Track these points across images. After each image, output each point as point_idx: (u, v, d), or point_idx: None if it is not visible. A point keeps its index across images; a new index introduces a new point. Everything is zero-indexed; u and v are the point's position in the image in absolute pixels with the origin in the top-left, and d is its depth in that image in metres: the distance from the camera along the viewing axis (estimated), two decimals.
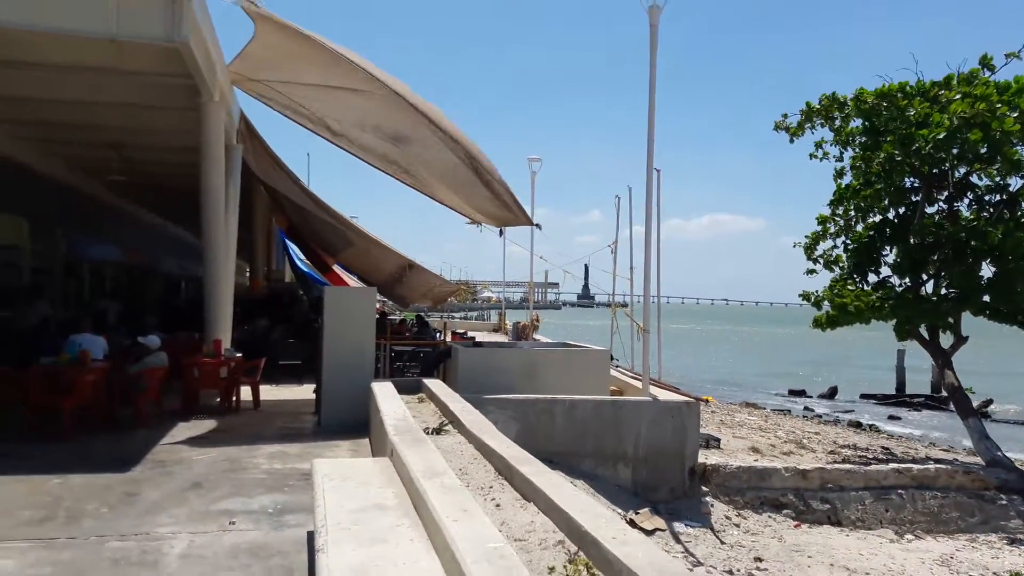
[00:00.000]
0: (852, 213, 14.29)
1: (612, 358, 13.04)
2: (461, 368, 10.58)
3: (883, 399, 31.60)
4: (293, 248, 21.30)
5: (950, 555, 9.59)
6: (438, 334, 17.37)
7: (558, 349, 12.22)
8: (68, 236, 18.05)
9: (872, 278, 14.15)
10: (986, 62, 12.74)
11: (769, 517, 10.14)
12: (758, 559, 8.86)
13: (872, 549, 9.56)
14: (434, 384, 9.36)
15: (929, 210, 13.49)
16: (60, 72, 10.44)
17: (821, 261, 14.64)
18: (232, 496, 6.50)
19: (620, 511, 9.02)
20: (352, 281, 19.67)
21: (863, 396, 32.57)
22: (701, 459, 10.51)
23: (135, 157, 15.50)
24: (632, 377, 12.63)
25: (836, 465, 11.59)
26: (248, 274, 26.90)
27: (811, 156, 14.39)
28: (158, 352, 10.16)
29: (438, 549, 3.62)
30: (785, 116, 14.28)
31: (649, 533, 8.76)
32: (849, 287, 13.87)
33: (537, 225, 15.08)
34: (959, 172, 13.19)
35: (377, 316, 12.15)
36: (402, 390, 8.90)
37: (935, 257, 13.14)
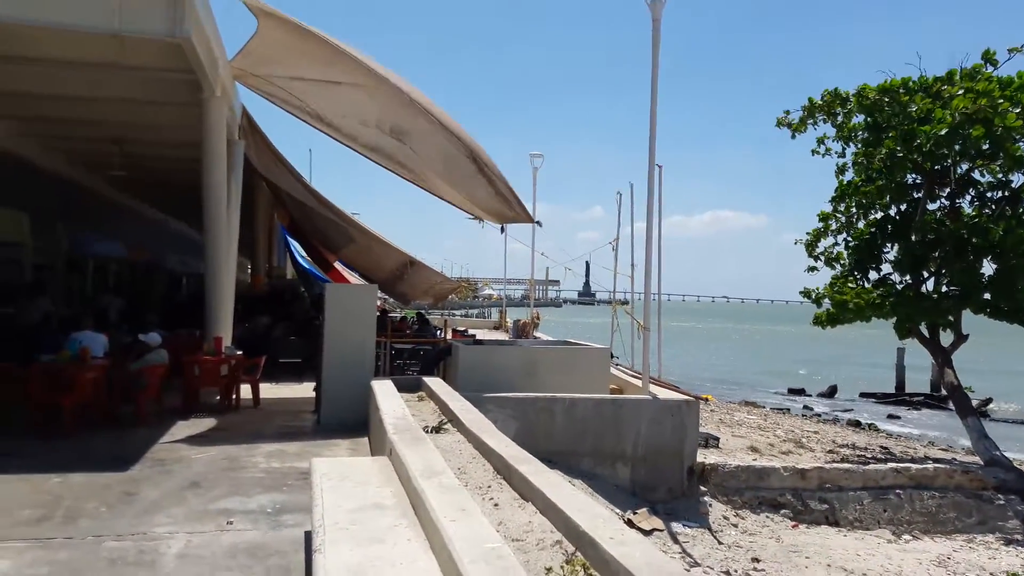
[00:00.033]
0: (854, 210, 14.28)
1: (612, 356, 13.05)
2: (461, 366, 10.59)
3: (882, 398, 31.60)
4: (295, 245, 21.29)
5: (947, 556, 9.60)
6: (439, 332, 17.37)
7: (558, 347, 12.22)
8: (70, 232, 18.06)
9: (873, 275, 14.15)
10: (988, 57, 12.69)
11: (767, 517, 10.15)
12: (756, 559, 8.87)
13: (870, 549, 9.56)
14: (434, 382, 9.36)
15: (931, 207, 13.48)
16: (62, 67, 10.44)
17: (822, 258, 14.64)
18: (230, 495, 6.51)
19: (618, 511, 9.02)
20: (353, 278, 19.65)
21: (862, 395, 32.57)
22: (700, 458, 10.51)
23: (137, 152, 15.49)
24: (632, 375, 12.63)
25: (835, 465, 11.59)
26: (249, 271, 26.92)
27: (813, 152, 14.38)
28: (159, 349, 10.17)
29: (435, 549, 3.63)
30: (787, 113, 14.27)
31: (647, 533, 8.77)
32: (850, 284, 13.87)
33: (538, 222, 15.09)
34: (961, 168, 13.17)
35: (378, 313, 12.15)
36: (402, 388, 8.91)
37: (936, 254, 13.11)
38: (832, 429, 20.94)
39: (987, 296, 12.71)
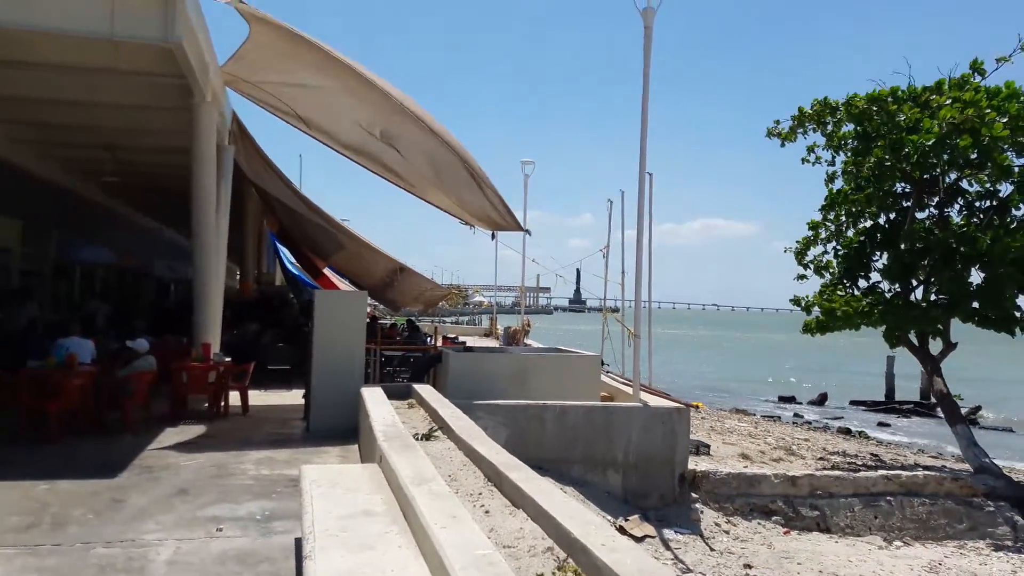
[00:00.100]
0: (843, 218, 14.34)
1: (603, 363, 13.04)
2: (451, 373, 10.56)
3: (872, 406, 31.71)
4: (284, 251, 21.23)
5: (938, 562, 9.61)
6: (429, 339, 17.34)
7: (549, 354, 12.20)
8: (58, 238, 17.96)
9: (862, 283, 14.20)
10: (977, 67, 12.78)
11: (758, 524, 10.15)
12: (747, 566, 8.86)
13: (861, 556, 9.57)
14: (424, 389, 9.34)
15: (920, 215, 13.54)
16: (54, 72, 10.43)
17: (812, 267, 14.69)
18: (219, 502, 6.46)
19: (610, 518, 9.00)
20: (343, 285, 19.61)
21: (853, 402, 32.67)
22: (691, 465, 10.51)
23: (128, 158, 15.44)
24: (623, 383, 12.62)
25: (825, 472, 11.60)
26: (238, 277, 26.83)
27: (803, 160, 14.44)
28: (146, 356, 10.10)
29: (426, 556, 3.61)
30: (777, 123, 14.34)
31: (639, 540, 8.75)
32: (839, 292, 13.91)
33: (527, 231, 15.09)
34: (950, 178, 13.23)
35: (368, 320, 12.11)
36: (392, 395, 8.87)
37: (925, 263, 13.18)
38: (822, 436, 20.98)
39: (975, 305, 12.76)
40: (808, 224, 14.75)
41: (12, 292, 14.91)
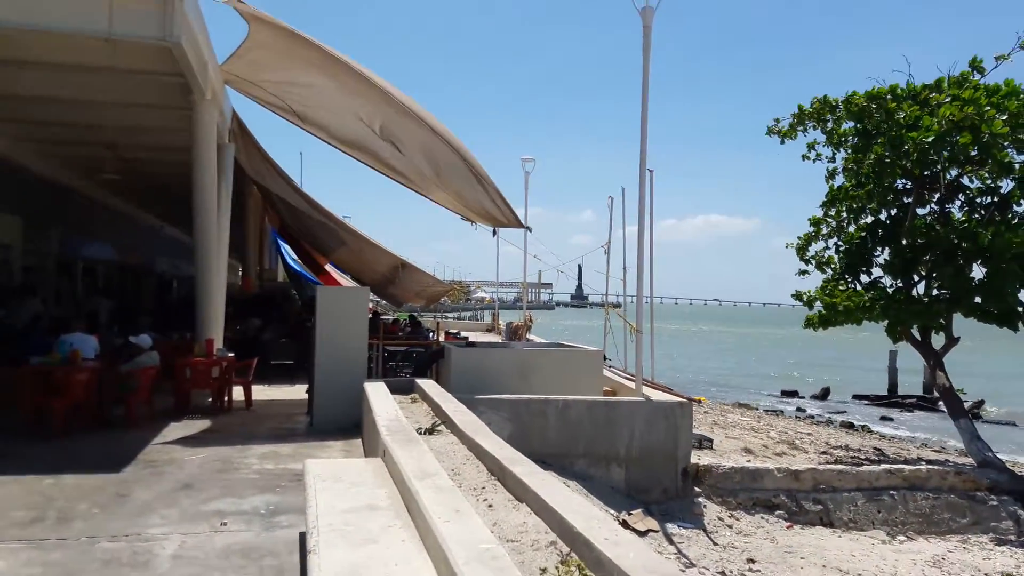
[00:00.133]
0: (844, 215, 14.33)
1: (605, 358, 13.04)
2: (454, 368, 10.57)
3: (875, 400, 31.69)
4: (285, 247, 21.25)
5: (942, 556, 9.62)
6: (431, 334, 17.35)
7: (551, 349, 12.21)
8: (60, 235, 17.98)
9: (864, 279, 14.20)
10: (976, 65, 12.78)
11: (762, 518, 10.15)
12: (751, 560, 8.87)
13: (864, 550, 9.58)
14: (427, 384, 9.34)
15: (921, 211, 13.53)
16: (53, 71, 10.42)
17: (813, 262, 14.69)
18: (224, 497, 6.48)
19: (613, 512, 9.01)
20: (345, 281, 19.64)
21: (855, 397, 32.66)
22: (694, 460, 10.51)
23: (128, 156, 15.44)
24: (625, 377, 12.63)
25: (828, 466, 11.62)
26: (240, 273, 26.84)
27: (804, 157, 14.46)
28: (150, 352, 10.12)
29: (430, 550, 3.62)
30: (777, 120, 14.36)
31: (642, 534, 8.76)
32: (840, 288, 13.91)
33: (528, 228, 15.10)
34: (950, 174, 13.23)
35: (370, 316, 12.12)
36: (395, 390, 8.89)
37: (926, 258, 13.17)
38: (825, 431, 20.99)
39: (977, 300, 12.76)
40: (809, 220, 14.75)
41: (15, 288, 14.94)
